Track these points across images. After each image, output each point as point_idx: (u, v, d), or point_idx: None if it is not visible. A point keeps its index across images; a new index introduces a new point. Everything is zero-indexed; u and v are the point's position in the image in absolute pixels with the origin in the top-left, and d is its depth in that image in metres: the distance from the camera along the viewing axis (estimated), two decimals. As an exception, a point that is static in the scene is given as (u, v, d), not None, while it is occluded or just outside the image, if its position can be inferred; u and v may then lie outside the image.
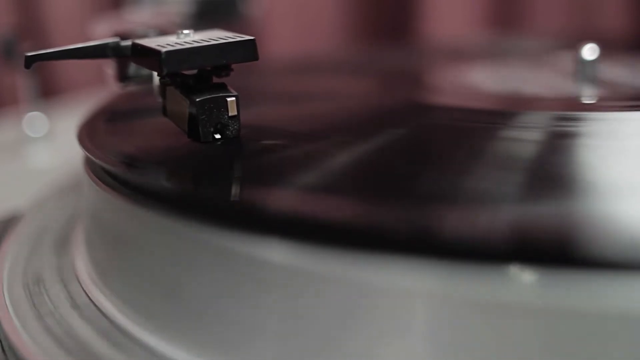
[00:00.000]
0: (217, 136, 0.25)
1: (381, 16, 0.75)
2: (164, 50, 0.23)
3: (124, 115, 0.32)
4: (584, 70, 0.34)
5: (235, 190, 0.21)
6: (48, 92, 0.64)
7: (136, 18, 0.41)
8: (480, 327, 0.16)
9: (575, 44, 0.35)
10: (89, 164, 0.26)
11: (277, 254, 0.18)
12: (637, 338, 0.16)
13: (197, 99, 0.24)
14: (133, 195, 0.22)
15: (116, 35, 0.26)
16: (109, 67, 0.31)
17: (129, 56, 0.25)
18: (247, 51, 0.24)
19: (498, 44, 0.55)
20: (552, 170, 0.21)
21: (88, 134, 0.27)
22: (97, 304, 0.23)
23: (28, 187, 0.36)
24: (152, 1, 0.47)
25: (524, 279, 0.16)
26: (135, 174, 0.23)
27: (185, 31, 0.25)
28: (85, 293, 0.24)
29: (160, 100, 0.27)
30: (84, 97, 0.60)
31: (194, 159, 0.24)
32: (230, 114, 0.25)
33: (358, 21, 0.75)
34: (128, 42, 0.25)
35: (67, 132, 0.32)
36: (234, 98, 0.24)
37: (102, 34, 0.34)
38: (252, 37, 0.24)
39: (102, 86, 0.43)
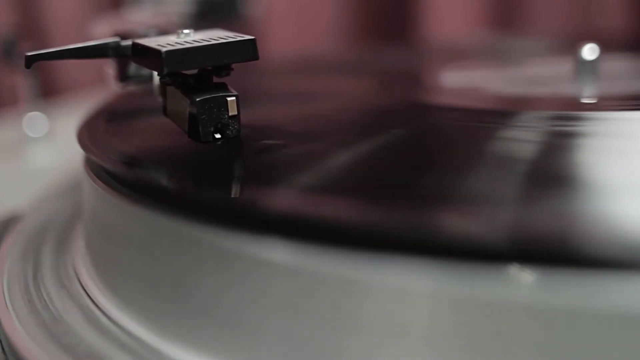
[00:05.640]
0: (218, 136, 0.25)
1: (381, 16, 0.75)
2: (164, 49, 0.23)
3: (124, 115, 0.32)
4: (584, 70, 0.34)
5: (235, 190, 0.21)
6: (48, 92, 0.64)
7: (136, 18, 0.41)
8: (479, 327, 0.16)
9: (575, 44, 0.35)
10: (89, 164, 0.26)
11: (277, 253, 0.18)
12: (637, 338, 0.16)
13: (198, 99, 0.24)
14: (133, 195, 0.22)
15: (116, 35, 0.26)
16: (109, 67, 0.31)
17: (130, 56, 0.25)
18: (248, 51, 0.24)
19: (498, 44, 0.55)
20: (551, 170, 0.21)
21: (88, 134, 0.27)
22: (97, 303, 0.23)
23: (28, 187, 0.36)
24: (152, 1, 0.47)
25: (523, 278, 0.16)
26: (136, 174, 0.23)
27: (186, 31, 0.25)
28: (86, 292, 0.24)
29: (160, 100, 0.27)
30: (84, 97, 0.60)
31: (194, 159, 0.24)
32: (230, 114, 0.25)
33: (358, 21, 0.75)
34: (128, 42, 0.25)
35: (67, 132, 0.32)
36: (234, 98, 0.24)
37: (102, 33, 0.34)
38: (252, 37, 0.24)
39: (102, 86, 0.43)
